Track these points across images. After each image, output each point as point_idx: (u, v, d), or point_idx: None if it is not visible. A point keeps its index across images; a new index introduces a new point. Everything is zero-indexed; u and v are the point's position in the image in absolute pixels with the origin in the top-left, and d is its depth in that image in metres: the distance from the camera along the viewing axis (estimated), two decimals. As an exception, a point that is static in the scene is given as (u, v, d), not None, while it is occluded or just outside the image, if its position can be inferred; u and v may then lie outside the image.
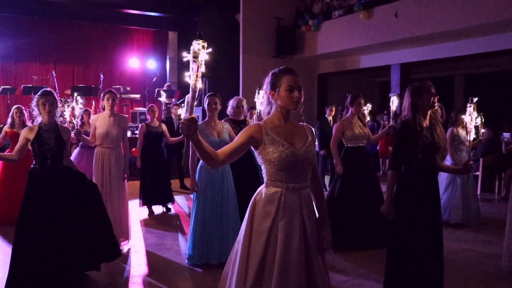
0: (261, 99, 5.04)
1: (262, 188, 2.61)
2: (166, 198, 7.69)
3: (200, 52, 2.20)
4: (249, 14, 13.18)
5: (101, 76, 13.94)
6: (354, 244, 5.47)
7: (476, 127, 5.30)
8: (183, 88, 15.35)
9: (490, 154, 9.29)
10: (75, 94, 5.46)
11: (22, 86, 12.70)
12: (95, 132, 5.56)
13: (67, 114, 5.63)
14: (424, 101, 3.50)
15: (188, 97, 2.21)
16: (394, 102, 5.79)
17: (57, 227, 4.11)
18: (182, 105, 9.54)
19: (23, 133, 4.18)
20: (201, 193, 4.77)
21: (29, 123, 7.14)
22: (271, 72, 2.66)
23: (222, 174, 4.81)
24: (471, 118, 3.81)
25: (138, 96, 15.20)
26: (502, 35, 9.69)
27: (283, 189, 2.53)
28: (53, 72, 13.24)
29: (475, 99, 3.80)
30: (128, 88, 14.88)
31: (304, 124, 2.73)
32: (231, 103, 5.84)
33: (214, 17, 14.75)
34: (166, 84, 14.53)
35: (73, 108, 5.81)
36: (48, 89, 4.42)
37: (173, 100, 12.52)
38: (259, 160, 2.60)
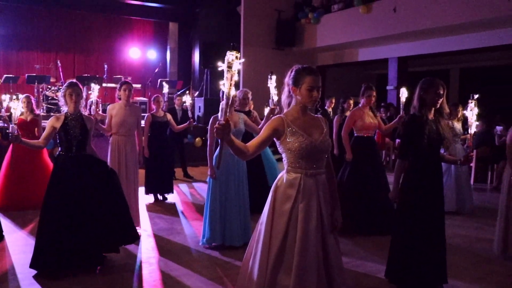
0: (274, 84, 5.34)
1: (283, 174, 2.91)
2: (167, 188, 7.94)
3: (233, 63, 2.45)
4: (250, 6, 13.42)
5: (105, 66, 14.15)
6: (360, 230, 5.75)
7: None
8: (184, 78, 15.61)
9: (484, 146, 9.63)
10: (92, 84, 5.69)
11: (26, 75, 12.88)
12: (111, 121, 5.83)
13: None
14: (429, 98, 3.80)
15: (223, 103, 2.47)
16: (403, 94, 5.92)
17: (80, 211, 4.37)
18: (186, 92, 9.78)
19: (50, 122, 4.42)
20: (217, 180, 5.07)
21: (37, 111, 7.37)
22: (295, 69, 2.91)
23: (236, 161, 5.11)
24: (472, 113, 4.09)
25: (138, 86, 15.39)
26: (496, 31, 10.01)
27: (302, 174, 2.83)
28: (58, 62, 13.43)
29: (476, 96, 4.08)
30: (129, 78, 15.02)
31: (320, 116, 3.03)
32: (238, 95, 6.11)
33: (215, 8, 14.97)
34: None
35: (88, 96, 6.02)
36: (74, 80, 4.66)
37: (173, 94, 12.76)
38: (280, 149, 2.90)
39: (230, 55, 2.44)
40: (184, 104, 9.57)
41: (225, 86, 2.46)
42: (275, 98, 4.79)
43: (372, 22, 11.30)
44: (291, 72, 2.91)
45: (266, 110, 4.93)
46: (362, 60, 13.68)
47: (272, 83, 5.29)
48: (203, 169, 10.81)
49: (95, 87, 5.63)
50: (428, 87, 3.81)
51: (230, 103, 2.49)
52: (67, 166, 4.39)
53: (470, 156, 3.93)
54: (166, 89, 8.76)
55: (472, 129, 4.09)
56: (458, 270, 4.65)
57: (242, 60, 2.46)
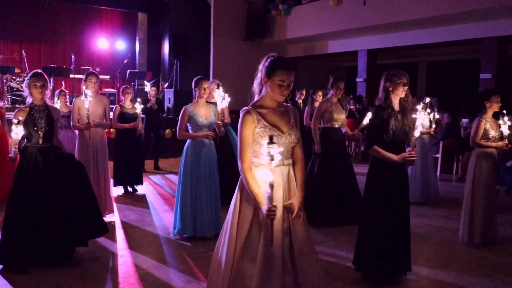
0: (220, 97, 5.31)
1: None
2: (136, 180, 7.89)
3: (275, 155, 2.57)
4: (220, -3, 13.32)
5: (73, 57, 13.85)
6: (331, 220, 5.79)
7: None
8: (154, 69, 15.44)
9: (450, 138, 9.87)
10: (84, 87, 5.57)
11: (-11, 65, 12.52)
12: (78, 112, 5.72)
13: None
14: (394, 87, 3.86)
15: (269, 192, 2.59)
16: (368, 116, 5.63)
17: (48, 203, 4.30)
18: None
19: (16, 116, 4.30)
20: (188, 171, 5.06)
21: (1, 103, 7.18)
22: (270, 58, 2.85)
23: (207, 152, 5.12)
24: (418, 116, 4.01)
25: (107, 77, 15.15)
26: (462, 25, 10.24)
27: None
28: (23, 52, 13.05)
29: (427, 100, 4.08)
30: (97, 69, 14.78)
31: (289, 105, 3.04)
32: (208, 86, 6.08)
33: (184, -1, 14.80)
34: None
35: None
36: (39, 70, 4.53)
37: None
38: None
39: (271, 148, 2.54)
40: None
41: (269, 176, 2.58)
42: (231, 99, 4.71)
43: (342, 14, 11.37)
44: (266, 60, 2.86)
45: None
46: (332, 52, 13.77)
47: (218, 95, 5.26)
48: (174, 161, 10.74)
49: (88, 92, 5.49)
50: (392, 77, 3.87)
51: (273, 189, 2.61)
52: (34, 158, 4.30)
53: (411, 156, 3.72)
54: (148, 87, 8.69)
55: (417, 132, 3.73)
56: (423, 258, 4.78)
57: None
